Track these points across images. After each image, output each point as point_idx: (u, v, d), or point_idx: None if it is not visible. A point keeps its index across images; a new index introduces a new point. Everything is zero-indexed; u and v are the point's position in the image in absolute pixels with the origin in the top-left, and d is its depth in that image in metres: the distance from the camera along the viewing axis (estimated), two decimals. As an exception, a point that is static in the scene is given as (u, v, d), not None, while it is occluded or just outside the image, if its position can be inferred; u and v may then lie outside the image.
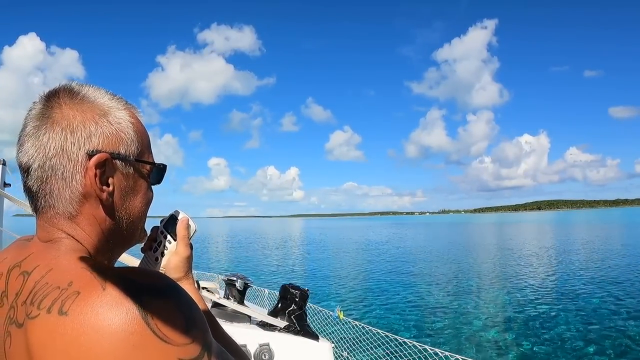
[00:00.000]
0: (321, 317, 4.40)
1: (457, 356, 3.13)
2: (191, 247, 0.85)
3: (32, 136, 0.60)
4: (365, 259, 24.73)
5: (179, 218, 0.84)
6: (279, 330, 1.87)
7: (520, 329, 9.20)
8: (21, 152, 0.62)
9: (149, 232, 0.79)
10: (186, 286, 0.82)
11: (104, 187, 0.61)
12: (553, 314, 10.45)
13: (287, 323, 1.89)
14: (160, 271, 0.82)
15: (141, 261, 0.86)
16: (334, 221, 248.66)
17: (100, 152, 0.60)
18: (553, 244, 31.91)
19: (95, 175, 0.60)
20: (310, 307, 4.32)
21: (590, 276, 15.83)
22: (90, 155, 0.60)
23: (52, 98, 0.62)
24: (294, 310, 1.93)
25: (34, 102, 0.64)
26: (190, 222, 0.84)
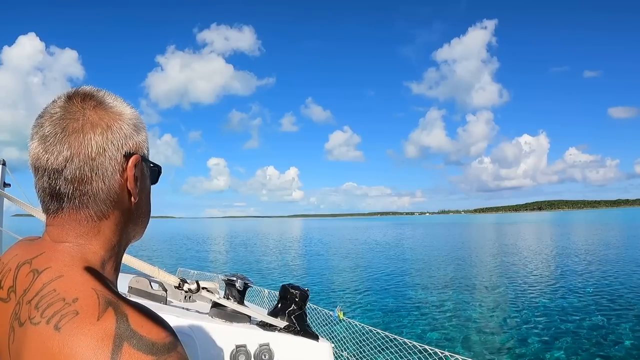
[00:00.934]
0: (321, 317, 4.39)
1: (457, 356, 3.13)
2: None
3: (64, 137, 0.59)
4: (366, 259, 24.73)
5: None
6: (279, 331, 1.86)
7: (521, 329, 9.20)
8: (46, 152, 0.59)
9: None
10: None
11: (136, 190, 0.65)
12: (554, 314, 10.45)
13: (287, 323, 1.89)
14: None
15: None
16: (333, 221, 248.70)
17: (134, 154, 0.63)
18: (557, 245, 31.74)
19: (134, 176, 0.63)
20: (310, 307, 4.32)
21: (594, 275, 15.83)
22: (127, 157, 0.62)
23: (79, 101, 0.62)
24: (294, 311, 1.93)
25: (54, 103, 0.62)
26: None
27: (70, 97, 0.62)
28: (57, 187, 0.60)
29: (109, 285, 0.58)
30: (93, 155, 0.59)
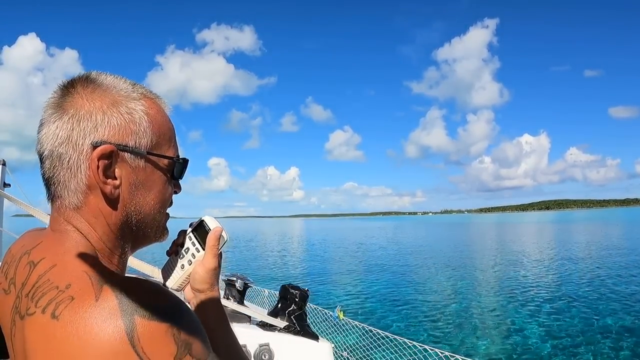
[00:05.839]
0: (321, 317, 4.39)
1: (457, 356, 3.13)
2: (220, 257, 0.79)
3: (45, 124, 0.60)
4: (366, 259, 24.72)
5: (211, 227, 0.76)
6: (278, 331, 1.87)
7: (522, 330, 9.20)
8: (37, 139, 0.61)
9: (171, 232, 0.75)
10: (208, 301, 0.78)
11: (109, 180, 0.59)
12: (556, 314, 10.44)
13: (287, 323, 1.89)
14: (184, 280, 0.77)
15: (164, 266, 0.82)
16: (334, 221, 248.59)
17: (106, 143, 0.58)
18: (570, 245, 31.26)
19: (98, 167, 0.58)
20: (310, 307, 4.32)
21: (600, 274, 15.82)
22: (94, 146, 0.58)
23: (67, 86, 0.61)
24: (293, 311, 1.93)
25: (54, 90, 0.63)
26: (224, 233, 0.77)
27: (64, 83, 0.62)
28: (43, 174, 0.61)
29: (103, 267, 0.57)
30: (58, 143, 0.58)
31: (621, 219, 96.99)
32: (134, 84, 0.65)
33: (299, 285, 2.03)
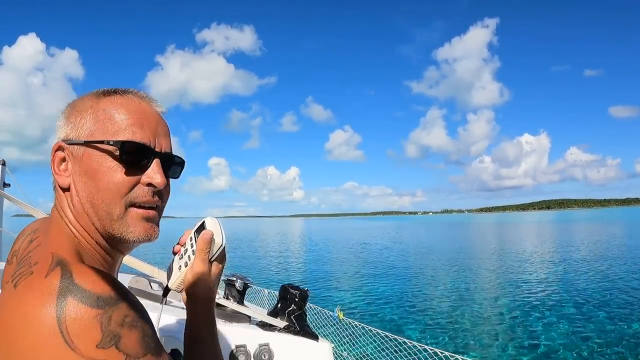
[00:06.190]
0: (321, 317, 4.39)
1: (457, 356, 3.12)
2: (220, 262, 0.77)
3: None
4: (366, 259, 24.71)
5: (208, 229, 0.74)
6: (278, 331, 1.87)
7: (523, 330, 9.20)
8: None
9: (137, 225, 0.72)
10: (195, 306, 0.77)
11: (61, 171, 0.69)
12: (558, 315, 10.44)
13: (287, 323, 1.89)
14: (182, 281, 0.76)
15: (169, 264, 0.82)
16: (334, 221, 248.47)
17: (61, 140, 0.69)
18: (575, 245, 30.86)
19: (53, 160, 0.69)
20: (310, 307, 4.32)
21: (602, 274, 15.81)
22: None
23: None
24: (293, 311, 1.93)
25: None
26: (215, 236, 0.73)
27: None
28: None
29: (75, 253, 0.63)
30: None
31: (623, 218, 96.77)
32: (99, 90, 0.73)
33: (298, 285, 2.03)
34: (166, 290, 0.82)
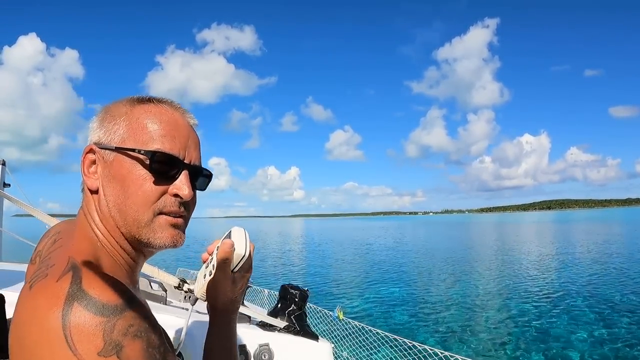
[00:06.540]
0: (321, 317, 4.39)
1: (457, 356, 3.12)
2: (245, 273, 0.76)
3: None
4: (366, 259, 24.71)
5: (230, 238, 0.73)
6: (278, 331, 1.87)
7: (523, 331, 9.19)
8: None
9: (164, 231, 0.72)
10: (214, 317, 0.78)
11: (90, 173, 0.69)
12: (559, 315, 10.44)
13: (287, 323, 1.89)
14: (203, 293, 0.77)
15: (199, 271, 0.82)
16: (334, 221, 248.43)
17: (93, 143, 0.70)
18: (577, 245, 30.69)
19: (83, 162, 0.70)
20: (310, 307, 4.32)
21: (604, 275, 15.80)
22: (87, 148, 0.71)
23: None
24: (293, 311, 1.93)
25: None
26: (237, 247, 0.71)
27: None
28: None
29: (93, 257, 0.63)
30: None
31: (625, 219, 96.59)
32: (134, 96, 0.73)
33: (298, 285, 2.03)
34: (195, 298, 0.84)
